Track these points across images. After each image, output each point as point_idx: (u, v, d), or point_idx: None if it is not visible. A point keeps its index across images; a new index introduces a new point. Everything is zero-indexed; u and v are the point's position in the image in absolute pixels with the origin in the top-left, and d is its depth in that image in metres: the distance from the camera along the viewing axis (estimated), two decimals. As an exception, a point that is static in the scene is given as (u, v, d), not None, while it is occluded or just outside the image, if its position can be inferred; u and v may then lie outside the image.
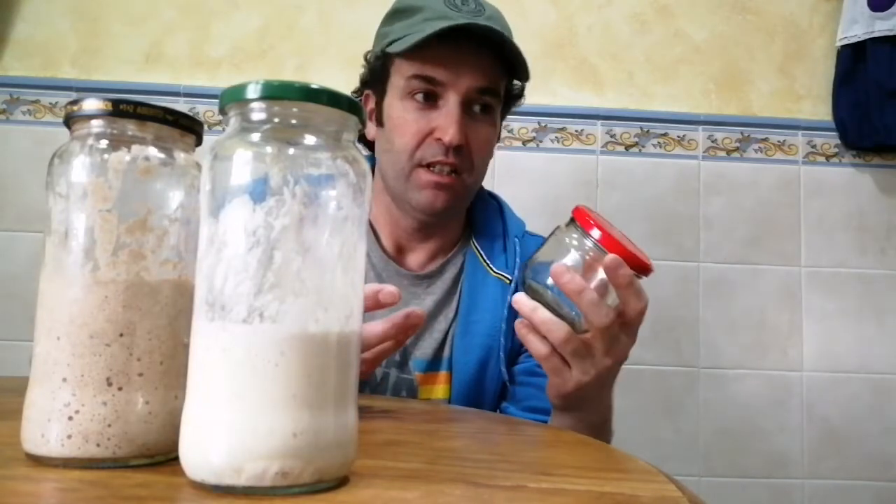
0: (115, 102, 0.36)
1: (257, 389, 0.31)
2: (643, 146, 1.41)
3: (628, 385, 1.33)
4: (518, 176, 1.38)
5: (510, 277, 0.85)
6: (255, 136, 0.33)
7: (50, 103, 1.35)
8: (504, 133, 1.27)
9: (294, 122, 0.33)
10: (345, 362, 0.34)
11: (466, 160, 0.80)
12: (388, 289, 0.56)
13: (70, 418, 0.34)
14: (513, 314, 0.66)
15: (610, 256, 0.57)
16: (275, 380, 0.31)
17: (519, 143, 1.39)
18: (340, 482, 0.33)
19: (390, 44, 0.80)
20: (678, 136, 1.41)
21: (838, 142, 1.42)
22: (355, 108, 0.35)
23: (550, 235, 0.63)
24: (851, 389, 1.39)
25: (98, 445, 0.34)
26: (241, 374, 0.31)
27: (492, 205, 0.93)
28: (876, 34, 1.36)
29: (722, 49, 1.44)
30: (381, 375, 0.82)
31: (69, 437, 0.34)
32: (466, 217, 0.92)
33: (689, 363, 1.38)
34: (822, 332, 1.40)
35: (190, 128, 0.39)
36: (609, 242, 0.58)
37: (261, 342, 0.31)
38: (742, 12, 1.44)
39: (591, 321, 0.58)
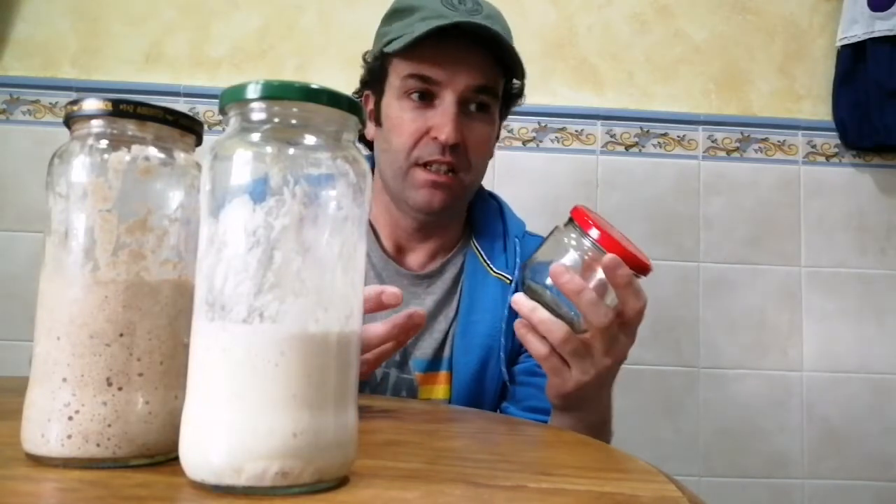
0: (115, 102, 0.36)
1: (257, 389, 0.31)
2: (643, 146, 1.41)
3: (628, 385, 1.33)
4: (518, 176, 1.38)
5: (510, 277, 0.85)
6: (255, 136, 0.33)
7: (50, 103, 1.35)
8: (504, 133, 1.27)
9: (294, 122, 0.33)
10: (345, 362, 0.34)
11: (463, 159, 0.80)
12: (391, 290, 0.56)
13: (70, 418, 0.34)
14: (513, 314, 0.66)
15: (608, 256, 0.57)
16: (275, 380, 0.31)
17: (519, 143, 1.39)
18: (340, 482, 0.33)
19: (387, 44, 0.80)
20: (678, 136, 1.41)
21: (838, 142, 1.42)
22: (355, 108, 0.35)
23: (549, 235, 0.63)
24: (851, 389, 1.39)
25: (98, 445, 0.34)
26: (241, 374, 0.31)
27: (492, 205, 0.93)
28: (876, 34, 1.36)
29: (722, 49, 1.44)
30: (381, 375, 0.82)
31: (69, 437, 0.34)
32: (466, 217, 0.92)
33: (689, 363, 1.38)
34: (822, 332, 1.40)
35: (190, 128, 0.39)
36: (607, 242, 0.58)
37: (261, 342, 0.31)
38: (742, 12, 1.45)
39: (590, 321, 0.58)
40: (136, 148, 0.36)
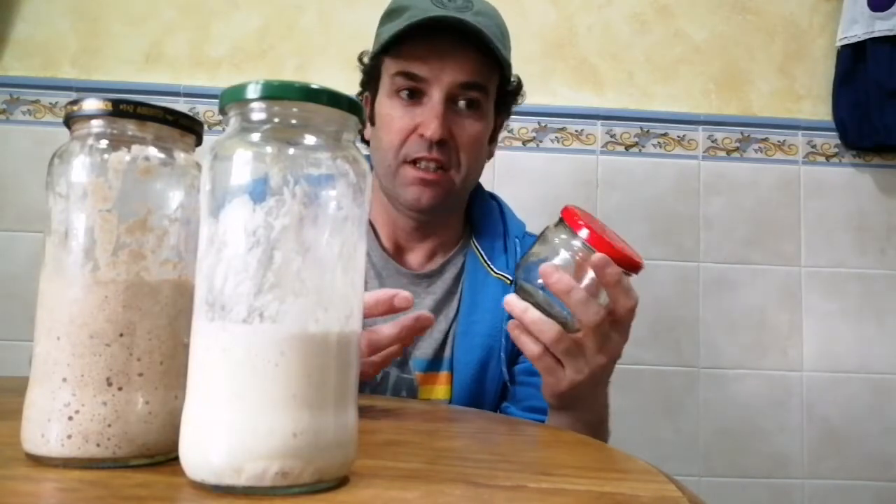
0: (115, 102, 0.36)
1: (257, 389, 0.31)
2: (643, 146, 1.41)
3: (628, 385, 1.33)
4: (518, 176, 1.38)
5: (511, 278, 0.85)
6: (255, 136, 0.33)
7: (50, 103, 1.35)
8: (504, 133, 1.26)
9: (294, 122, 0.33)
10: (345, 362, 0.34)
11: (453, 156, 0.80)
12: (403, 294, 0.57)
13: (70, 418, 0.34)
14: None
15: (597, 255, 0.57)
16: (275, 380, 0.31)
17: (519, 143, 1.39)
18: (340, 482, 0.33)
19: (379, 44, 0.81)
20: (678, 136, 1.41)
21: (838, 142, 1.42)
22: (355, 108, 0.35)
23: (540, 236, 0.63)
24: (851, 389, 1.39)
25: (98, 445, 0.34)
26: (241, 374, 0.31)
27: (492, 205, 0.93)
28: (876, 34, 1.36)
29: (722, 49, 1.44)
30: (381, 375, 0.82)
31: (69, 437, 0.34)
32: (466, 217, 0.92)
33: (689, 363, 1.38)
34: (822, 332, 1.40)
35: (190, 128, 0.39)
36: (597, 241, 0.58)
37: (261, 342, 0.31)
38: (742, 12, 1.44)
39: (581, 320, 0.58)
40: (136, 148, 0.36)
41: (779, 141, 1.42)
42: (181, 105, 1.35)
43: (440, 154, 0.79)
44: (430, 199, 0.81)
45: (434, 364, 0.83)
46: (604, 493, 0.35)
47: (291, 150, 0.33)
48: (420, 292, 0.85)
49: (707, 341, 1.38)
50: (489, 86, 0.83)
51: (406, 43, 0.78)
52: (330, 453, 0.32)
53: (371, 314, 0.57)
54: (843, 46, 1.40)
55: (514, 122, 1.38)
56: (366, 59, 0.88)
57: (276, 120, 0.33)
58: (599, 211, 1.37)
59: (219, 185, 0.33)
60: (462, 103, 0.80)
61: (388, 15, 0.83)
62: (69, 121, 0.37)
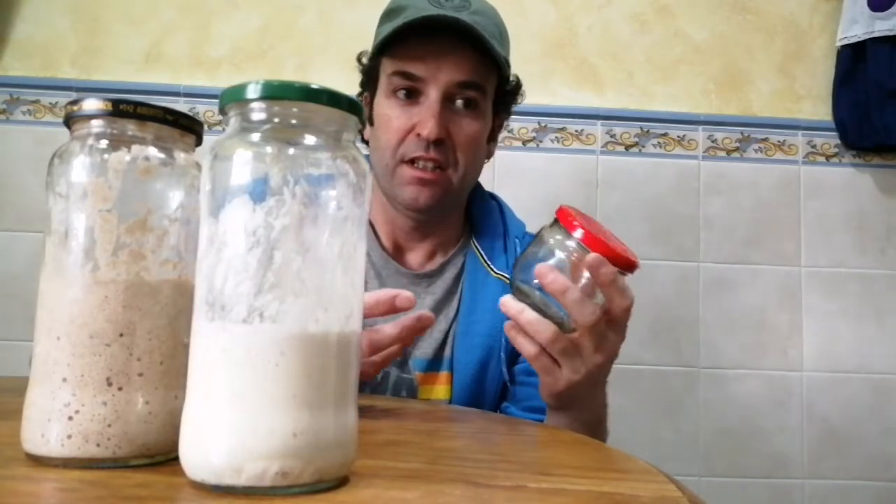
0: (115, 102, 0.36)
1: (257, 389, 0.31)
2: (643, 146, 1.41)
3: (628, 385, 1.33)
4: (518, 176, 1.38)
5: (510, 278, 0.85)
6: (255, 136, 0.33)
7: (50, 103, 1.35)
8: (504, 133, 1.26)
9: (294, 122, 0.33)
10: (345, 362, 0.34)
11: (450, 155, 0.80)
12: (405, 294, 0.57)
13: (70, 418, 0.34)
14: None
15: (591, 255, 0.57)
16: (275, 380, 0.31)
17: (519, 143, 1.39)
18: (340, 482, 0.33)
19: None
20: (678, 136, 1.41)
21: (838, 142, 1.42)
22: (355, 108, 0.35)
23: (536, 236, 0.63)
24: (851, 389, 1.39)
25: (98, 445, 0.34)
26: (241, 374, 0.31)
27: (491, 205, 0.93)
28: (876, 34, 1.36)
29: (722, 49, 1.44)
30: (381, 375, 0.82)
31: (69, 437, 0.34)
32: (466, 217, 0.92)
33: (689, 363, 1.38)
34: (822, 332, 1.40)
35: (190, 128, 0.39)
36: (591, 241, 0.58)
37: (261, 342, 0.31)
38: (742, 12, 1.44)
39: (577, 320, 0.58)
40: (136, 148, 0.36)
41: (779, 141, 1.42)
42: (181, 105, 1.35)
43: (437, 153, 0.79)
44: (428, 198, 0.81)
45: (434, 364, 0.83)
46: (603, 493, 0.35)
47: (291, 150, 0.33)
48: (420, 292, 0.85)
49: (707, 341, 1.38)
50: (486, 85, 0.83)
51: (403, 43, 0.78)
52: (330, 453, 0.32)
53: (372, 314, 0.57)
54: (843, 46, 1.40)
55: (514, 122, 1.38)
56: (365, 60, 0.88)
57: (276, 120, 0.33)
58: (599, 211, 1.37)
59: (219, 185, 0.33)
60: (459, 103, 0.80)
61: (387, 15, 0.83)
62: (69, 121, 0.37)
